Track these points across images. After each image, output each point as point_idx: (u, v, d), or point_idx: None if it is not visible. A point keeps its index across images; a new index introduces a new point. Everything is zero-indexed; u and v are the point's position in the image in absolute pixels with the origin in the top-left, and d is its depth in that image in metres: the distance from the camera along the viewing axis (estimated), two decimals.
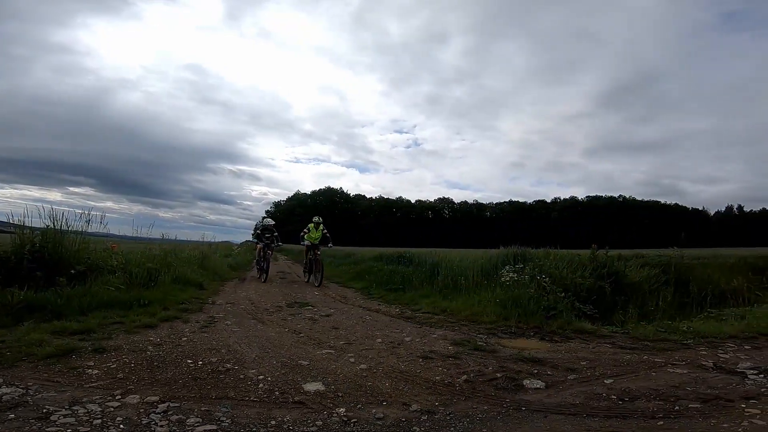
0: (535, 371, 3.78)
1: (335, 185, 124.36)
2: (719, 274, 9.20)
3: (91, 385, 3.17)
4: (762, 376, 3.52)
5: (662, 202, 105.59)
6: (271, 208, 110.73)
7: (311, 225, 11.85)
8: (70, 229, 7.15)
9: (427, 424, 2.71)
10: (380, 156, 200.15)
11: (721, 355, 4.21)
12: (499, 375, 3.66)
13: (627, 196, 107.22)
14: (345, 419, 2.74)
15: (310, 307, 7.32)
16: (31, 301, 5.17)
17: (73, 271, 6.31)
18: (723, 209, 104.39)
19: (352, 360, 4.08)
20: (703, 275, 9.07)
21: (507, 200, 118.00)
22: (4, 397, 2.82)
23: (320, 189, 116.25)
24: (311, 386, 3.32)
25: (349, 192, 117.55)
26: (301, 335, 5.13)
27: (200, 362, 3.81)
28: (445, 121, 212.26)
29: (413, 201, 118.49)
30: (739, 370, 3.70)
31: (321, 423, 2.69)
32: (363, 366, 3.89)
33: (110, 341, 4.33)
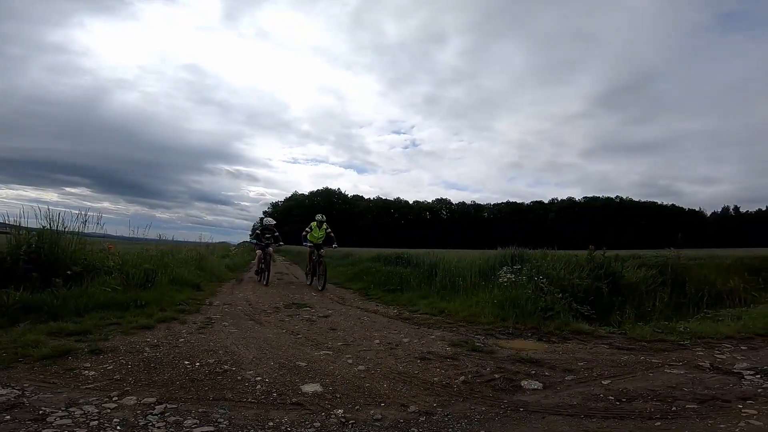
0: (533, 372, 3.79)
1: (333, 186, 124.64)
2: (716, 274, 9.24)
3: (88, 386, 3.15)
4: (758, 376, 3.53)
5: (659, 202, 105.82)
6: (268, 208, 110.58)
7: (314, 224, 11.06)
8: (66, 229, 7.12)
9: (425, 426, 2.71)
10: (378, 157, 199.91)
11: (717, 356, 4.23)
12: (497, 376, 3.66)
13: (624, 197, 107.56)
14: (343, 420, 2.74)
15: (307, 309, 7.31)
16: (27, 302, 5.14)
17: (69, 272, 6.28)
18: (719, 210, 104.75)
19: (350, 361, 4.08)
20: (700, 276, 9.11)
21: (505, 201, 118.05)
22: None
23: (318, 190, 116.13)
24: (309, 387, 3.32)
25: (347, 193, 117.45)
26: (299, 336, 5.12)
27: (197, 363, 3.80)
28: (442, 122, 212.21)
29: (411, 202, 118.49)
30: (735, 370, 3.71)
31: (319, 424, 2.68)
32: (361, 367, 3.88)
33: (107, 342, 4.31)
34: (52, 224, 6.90)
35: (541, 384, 3.47)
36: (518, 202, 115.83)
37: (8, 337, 4.19)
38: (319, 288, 10.07)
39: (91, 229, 7.83)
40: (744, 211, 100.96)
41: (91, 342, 4.26)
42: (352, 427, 2.68)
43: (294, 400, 3.06)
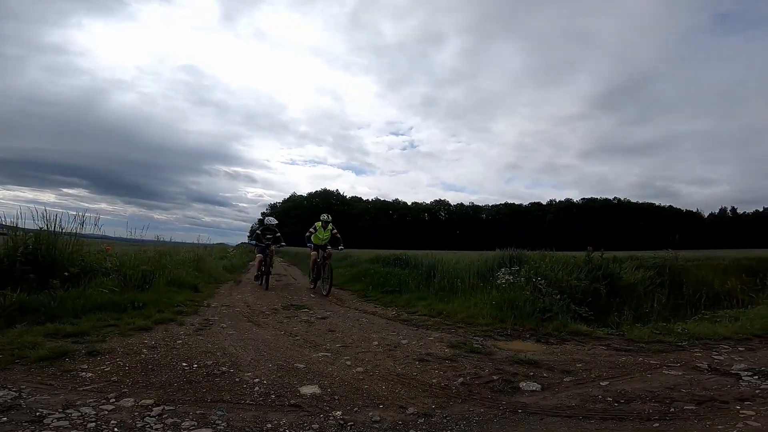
0: (531, 373, 3.79)
1: (331, 187, 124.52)
2: (713, 275, 9.25)
3: (85, 388, 3.14)
4: (756, 377, 3.54)
5: (657, 204, 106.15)
6: (266, 209, 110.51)
7: (318, 224, 10.35)
8: (63, 230, 7.09)
9: (423, 427, 2.71)
10: (376, 158, 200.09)
11: (715, 357, 4.24)
12: (495, 377, 3.66)
13: (622, 198, 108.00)
14: (341, 422, 2.74)
15: (306, 310, 7.30)
16: (24, 303, 5.12)
17: (66, 274, 6.25)
18: (717, 211, 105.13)
19: (348, 363, 4.07)
20: (698, 277, 9.12)
21: (503, 202, 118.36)
22: None
23: (316, 191, 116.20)
24: (307, 389, 3.31)
25: (345, 194, 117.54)
26: (297, 338, 5.11)
27: (195, 365, 3.79)
28: (440, 123, 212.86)
29: (409, 203, 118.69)
30: (733, 371, 3.72)
31: (317, 426, 2.68)
32: (359, 369, 3.88)
33: (104, 344, 4.29)
34: (49, 225, 6.87)
35: (539, 385, 3.48)
36: (516, 203, 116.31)
37: (5, 338, 4.17)
38: (324, 293, 9.40)
39: (88, 230, 7.80)
40: (741, 212, 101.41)
41: (88, 344, 4.24)
42: (350, 428, 2.67)
43: (292, 401, 3.06)
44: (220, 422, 2.66)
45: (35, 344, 3.98)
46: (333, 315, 6.88)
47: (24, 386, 3.07)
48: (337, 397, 3.17)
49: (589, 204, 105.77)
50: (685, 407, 2.94)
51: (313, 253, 10.28)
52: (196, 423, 2.63)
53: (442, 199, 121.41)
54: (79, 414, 2.65)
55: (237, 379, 3.47)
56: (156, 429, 2.52)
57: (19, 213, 6.94)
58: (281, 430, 2.62)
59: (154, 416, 2.69)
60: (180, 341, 4.63)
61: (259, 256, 10.89)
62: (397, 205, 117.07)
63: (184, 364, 3.81)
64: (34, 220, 6.88)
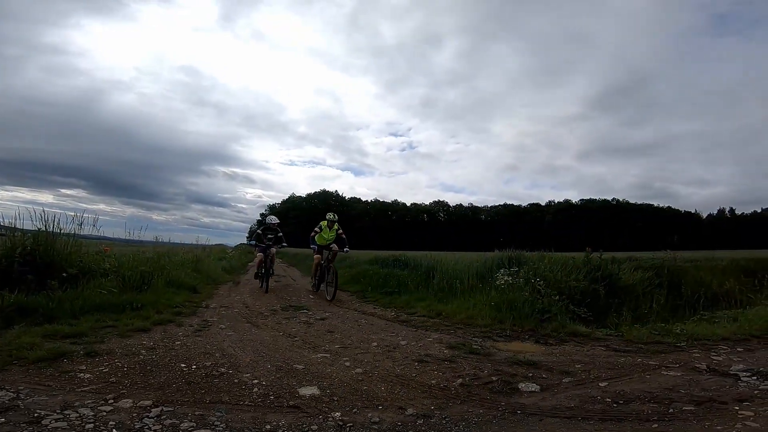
0: (530, 374, 3.79)
1: (330, 188, 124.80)
2: (711, 276, 9.27)
3: (83, 389, 3.13)
4: (755, 378, 3.54)
5: (655, 205, 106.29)
6: (265, 210, 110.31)
7: (324, 223, 9.76)
8: (61, 231, 7.07)
9: (423, 428, 2.71)
10: (375, 159, 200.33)
11: (714, 358, 4.24)
12: (494, 378, 3.66)
13: (620, 199, 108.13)
14: (340, 423, 2.73)
15: (305, 311, 7.29)
16: (22, 304, 5.11)
17: (65, 274, 6.24)
18: (715, 212, 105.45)
19: (347, 364, 4.07)
20: (696, 278, 9.14)
21: (502, 203, 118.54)
22: None
23: (315, 192, 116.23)
24: (306, 390, 3.31)
25: (344, 195, 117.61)
26: (296, 339, 5.11)
27: (194, 366, 3.78)
28: (439, 124, 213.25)
29: (408, 204, 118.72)
30: (732, 372, 3.72)
31: (316, 427, 2.67)
32: (358, 370, 3.87)
33: (102, 345, 4.28)
34: (47, 226, 6.86)
35: (538, 386, 3.48)
36: (515, 204, 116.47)
37: (3, 339, 4.16)
38: (328, 297, 8.74)
39: (87, 231, 7.78)
40: (739, 213, 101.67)
41: (86, 344, 4.23)
42: (349, 430, 2.67)
43: (291, 403, 3.05)
44: (218, 423, 2.65)
45: (33, 345, 3.98)
46: (332, 316, 6.88)
47: (22, 387, 3.06)
48: (336, 398, 3.16)
49: (587, 205, 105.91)
50: (684, 408, 2.95)
51: (316, 255, 9.75)
52: (194, 424, 2.62)
53: (441, 200, 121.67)
54: (78, 415, 2.65)
55: (236, 380, 3.47)
56: (154, 430, 2.52)
57: (17, 214, 6.95)
58: (280, 431, 2.61)
59: (152, 417, 2.68)
60: (179, 342, 4.62)
61: (259, 254, 10.42)
62: (396, 206, 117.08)
63: (183, 365, 3.81)
64: (32, 220, 6.86)
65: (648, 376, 3.69)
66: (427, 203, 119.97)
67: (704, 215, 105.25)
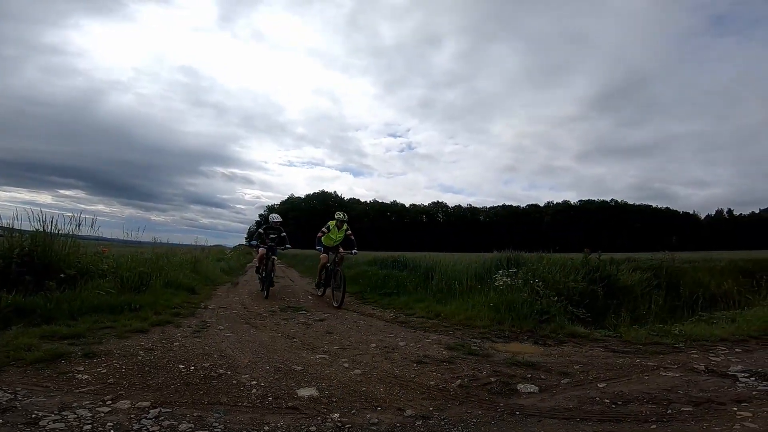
0: (529, 375, 3.79)
1: (329, 189, 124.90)
2: (710, 277, 9.28)
3: (81, 390, 3.12)
4: (753, 378, 3.55)
5: (654, 206, 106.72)
6: (264, 211, 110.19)
7: (332, 223, 9.06)
8: (60, 232, 7.05)
9: (421, 430, 2.71)
10: (374, 160, 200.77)
11: (712, 359, 4.25)
12: (493, 379, 3.66)
13: (619, 200, 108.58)
14: (339, 425, 2.73)
15: (303, 312, 7.28)
16: (19, 305, 5.09)
17: (62, 275, 6.22)
18: (713, 213, 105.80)
19: (346, 365, 4.06)
20: (694, 278, 9.15)
21: (500, 204, 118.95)
22: None
23: (314, 193, 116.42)
24: (305, 391, 3.30)
25: (343, 196, 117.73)
26: (295, 340, 5.10)
27: (192, 367, 3.78)
28: (438, 125, 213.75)
29: (407, 205, 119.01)
30: (730, 373, 3.73)
31: (315, 429, 2.67)
32: (357, 371, 3.87)
33: (101, 346, 4.27)
34: (45, 227, 6.84)
35: (537, 387, 3.48)
36: (514, 205, 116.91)
37: (0, 340, 4.14)
38: (335, 304, 8.10)
39: (85, 231, 7.75)
40: (737, 214, 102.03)
41: (84, 345, 4.22)
42: (348, 431, 2.66)
43: (290, 404, 3.05)
44: (217, 424, 2.65)
45: (31, 346, 3.96)
46: (330, 317, 6.87)
47: (19, 388, 3.05)
48: (334, 400, 3.16)
49: (586, 206, 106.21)
50: (682, 409, 2.95)
51: (323, 255, 8.99)
52: (193, 425, 2.62)
53: (440, 200, 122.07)
54: (75, 416, 2.64)
55: (234, 382, 3.46)
56: (152, 431, 2.51)
57: (15, 214, 6.91)
58: None
59: (150, 418, 2.67)
60: (177, 343, 4.62)
61: (261, 249, 9.55)
62: (395, 207, 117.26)
63: (181, 366, 3.80)
64: (30, 221, 6.84)
65: (646, 377, 3.70)
66: (426, 204, 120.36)
67: (702, 216, 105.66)
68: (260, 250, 9.60)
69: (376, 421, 2.80)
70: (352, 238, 9.23)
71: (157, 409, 2.81)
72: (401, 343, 5.01)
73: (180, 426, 2.60)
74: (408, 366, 4.07)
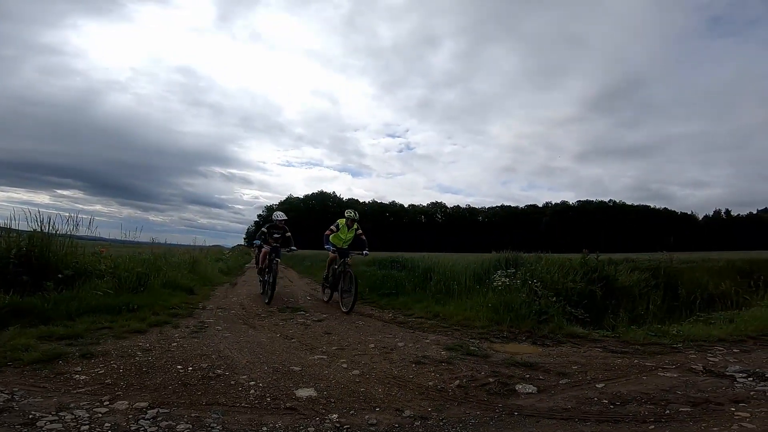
0: (527, 376, 3.79)
1: (328, 189, 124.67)
2: (708, 277, 9.31)
3: (79, 390, 3.11)
4: (751, 379, 3.56)
5: (652, 206, 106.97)
6: (263, 211, 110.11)
7: (341, 221, 8.35)
8: (57, 232, 7.04)
9: (420, 430, 2.71)
10: (373, 160, 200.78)
11: (710, 359, 4.25)
12: (491, 380, 3.66)
13: (617, 201, 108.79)
14: (338, 425, 2.72)
15: (302, 312, 7.27)
16: (17, 305, 5.07)
17: (60, 276, 6.20)
18: (711, 213, 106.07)
19: (344, 365, 4.06)
20: (692, 279, 9.18)
21: (499, 205, 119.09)
22: None
23: (313, 193, 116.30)
24: (303, 392, 3.30)
25: (341, 196, 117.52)
26: (293, 340, 5.09)
27: (190, 368, 3.77)
28: (436, 126, 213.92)
29: (406, 205, 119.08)
30: (728, 373, 3.73)
31: (313, 429, 2.66)
32: (356, 371, 3.87)
33: (98, 346, 4.26)
34: (43, 227, 6.82)
35: (535, 388, 3.48)
36: (512, 205, 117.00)
37: None
38: (344, 309, 7.44)
39: (82, 231, 7.75)
40: (735, 214, 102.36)
41: (82, 346, 4.21)
42: (346, 431, 2.66)
43: (288, 404, 3.04)
44: (215, 425, 2.64)
45: (28, 346, 3.95)
46: (329, 317, 6.86)
47: (17, 389, 3.03)
48: (333, 400, 3.15)
49: (584, 206, 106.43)
50: (680, 409, 2.95)
51: (332, 254, 8.33)
52: (191, 426, 2.61)
53: (439, 201, 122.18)
54: (73, 417, 2.63)
55: (232, 382, 3.45)
56: (150, 431, 2.51)
57: (12, 214, 6.90)
58: None
59: (148, 419, 2.66)
60: (175, 344, 4.60)
61: (264, 248, 8.75)
62: (394, 208, 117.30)
63: (179, 366, 3.79)
64: (27, 221, 6.83)
65: (644, 378, 3.70)
66: (425, 204, 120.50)
67: (700, 217, 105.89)
68: (263, 249, 8.85)
69: (375, 421, 2.80)
70: (363, 238, 8.59)
71: (155, 410, 2.80)
72: (400, 344, 5.01)
73: (178, 426, 2.59)
74: (406, 366, 4.06)
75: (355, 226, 8.43)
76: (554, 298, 6.63)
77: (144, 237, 10.69)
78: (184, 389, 3.25)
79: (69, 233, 7.29)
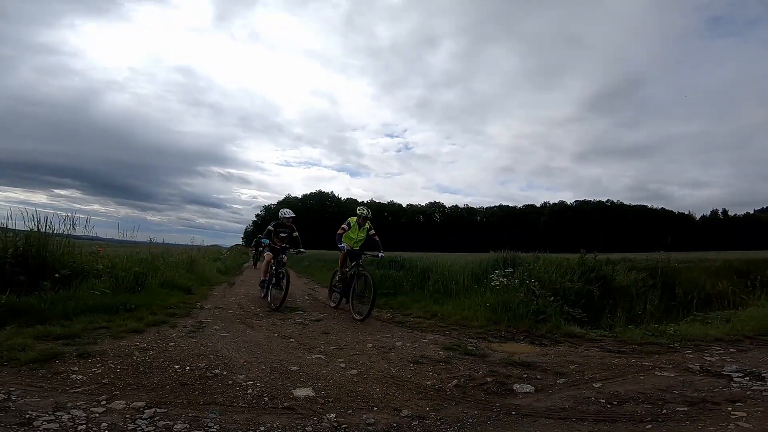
0: (525, 375, 3.79)
1: (326, 189, 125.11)
2: (705, 277, 9.35)
3: (76, 390, 3.10)
4: (747, 378, 3.57)
5: (649, 206, 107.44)
6: (261, 211, 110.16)
7: (353, 219, 7.65)
8: (54, 232, 7.01)
9: (418, 430, 2.71)
10: (371, 160, 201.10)
11: (707, 358, 4.27)
12: (489, 379, 3.66)
13: (615, 201, 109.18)
14: (335, 425, 2.72)
15: (300, 312, 7.27)
16: (13, 305, 5.05)
17: (57, 275, 6.18)
18: (708, 213, 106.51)
19: (342, 365, 4.06)
20: (689, 279, 9.21)
21: (497, 204, 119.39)
22: None
23: (311, 193, 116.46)
24: (301, 392, 3.29)
25: (340, 196, 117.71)
26: (291, 340, 5.09)
27: (188, 367, 3.76)
28: (435, 126, 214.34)
29: (404, 205, 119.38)
30: (725, 373, 3.75)
31: (311, 429, 2.66)
32: (354, 371, 3.87)
33: (95, 346, 4.24)
34: (40, 227, 6.79)
35: (533, 387, 3.48)
36: (511, 205, 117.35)
37: None
38: (357, 317, 6.63)
39: (80, 231, 7.71)
40: (732, 214, 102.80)
41: (79, 346, 4.19)
42: (344, 431, 2.66)
43: (286, 404, 3.04)
44: (212, 425, 2.64)
45: (25, 346, 3.93)
46: (327, 317, 6.86)
47: (13, 388, 3.02)
48: (330, 400, 3.15)
49: (582, 206, 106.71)
50: (677, 409, 2.96)
51: (342, 252, 7.59)
52: (188, 425, 2.60)
53: (437, 201, 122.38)
54: (70, 416, 2.62)
55: (230, 382, 3.45)
56: (147, 431, 2.50)
57: (9, 214, 6.85)
58: None
59: (145, 419, 2.66)
60: (172, 343, 4.60)
61: (267, 254, 8.04)
62: (393, 207, 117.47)
63: (177, 366, 3.78)
64: (24, 221, 6.79)
65: (642, 377, 3.71)
66: (423, 204, 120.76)
67: (698, 216, 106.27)
68: (267, 254, 8.09)
69: (373, 421, 2.80)
70: (377, 238, 7.81)
71: (152, 410, 2.80)
72: (398, 343, 5.01)
73: (175, 426, 2.58)
74: (404, 366, 4.06)
75: (368, 225, 7.70)
76: (552, 298, 6.64)
77: (141, 237, 10.65)
78: (182, 389, 3.24)
79: (66, 233, 7.26)
